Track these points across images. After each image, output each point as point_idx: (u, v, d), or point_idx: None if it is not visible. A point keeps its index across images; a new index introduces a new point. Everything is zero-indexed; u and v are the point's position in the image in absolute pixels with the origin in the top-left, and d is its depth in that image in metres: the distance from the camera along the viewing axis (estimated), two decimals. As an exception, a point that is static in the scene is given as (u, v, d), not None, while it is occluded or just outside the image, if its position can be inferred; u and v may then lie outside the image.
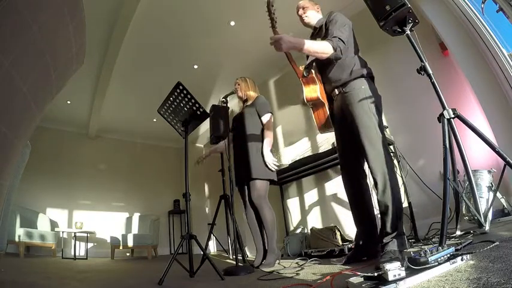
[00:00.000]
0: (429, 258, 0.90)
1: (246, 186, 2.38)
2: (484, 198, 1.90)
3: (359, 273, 1.01)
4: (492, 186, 1.93)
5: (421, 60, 1.41)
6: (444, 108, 1.34)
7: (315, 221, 3.46)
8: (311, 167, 3.21)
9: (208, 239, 2.86)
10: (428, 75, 1.39)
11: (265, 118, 2.46)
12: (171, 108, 2.06)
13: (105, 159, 6.26)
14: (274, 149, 2.95)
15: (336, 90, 1.81)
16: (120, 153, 6.61)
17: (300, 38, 1.67)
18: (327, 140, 3.44)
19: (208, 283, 1.62)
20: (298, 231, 3.59)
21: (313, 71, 1.92)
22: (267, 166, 2.32)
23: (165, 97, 2.04)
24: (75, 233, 4.86)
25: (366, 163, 1.67)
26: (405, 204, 2.32)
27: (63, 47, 1.28)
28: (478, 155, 2.18)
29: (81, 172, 5.79)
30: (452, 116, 1.32)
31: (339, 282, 1.08)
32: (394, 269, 0.83)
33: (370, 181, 1.76)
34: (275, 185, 3.27)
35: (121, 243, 4.91)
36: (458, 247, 1.09)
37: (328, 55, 1.67)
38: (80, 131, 6.14)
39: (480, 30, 2.28)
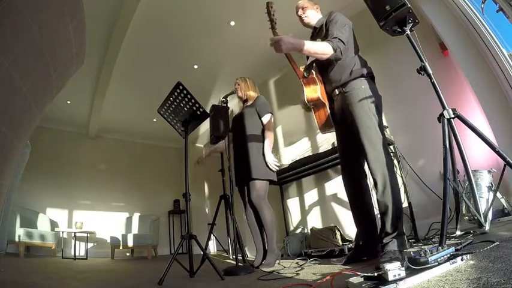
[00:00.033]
0: (429, 258, 0.90)
1: (245, 187, 2.38)
2: (484, 198, 1.90)
3: (359, 273, 1.01)
4: (492, 186, 1.93)
5: (421, 60, 1.41)
6: (444, 108, 1.34)
7: (315, 221, 3.46)
8: (311, 167, 3.21)
9: (208, 239, 2.86)
10: (428, 75, 1.39)
11: (266, 118, 2.46)
12: (171, 108, 2.06)
13: (105, 159, 6.26)
14: (274, 149, 2.95)
15: (336, 90, 1.81)
16: (120, 153, 6.61)
17: (300, 38, 1.67)
18: (327, 140, 3.43)
19: (208, 283, 1.62)
20: (298, 231, 3.59)
21: (313, 72, 1.92)
22: (268, 166, 2.33)
23: (165, 97, 2.04)
24: (75, 233, 4.86)
25: (366, 163, 1.67)
26: (405, 204, 2.32)
27: (63, 47, 1.28)
28: (478, 155, 2.18)
29: (81, 172, 5.79)
30: (452, 116, 1.32)
31: (339, 282, 1.08)
32: (394, 269, 0.83)
33: (370, 181, 1.76)
34: (275, 185, 3.27)
35: (121, 243, 4.91)
36: (458, 247, 1.09)
37: (328, 56, 1.67)
38: (80, 131, 6.14)
39: (480, 30, 2.28)
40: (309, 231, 2.96)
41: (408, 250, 1.57)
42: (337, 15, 1.81)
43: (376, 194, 1.59)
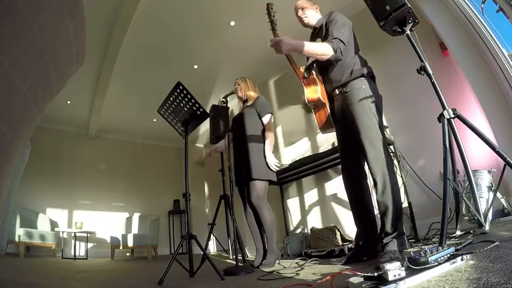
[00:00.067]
0: (429, 258, 0.90)
1: (245, 187, 2.38)
2: (484, 198, 1.90)
3: (359, 273, 1.01)
4: (492, 186, 1.93)
5: (421, 60, 1.41)
6: (444, 108, 1.34)
7: (315, 221, 3.46)
8: (311, 167, 3.21)
9: (208, 239, 2.86)
10: (428, 75, 1.39)
11: (266, 119, 2.46)
12: (171, 108, 2.06)
13: (105, 159, 6.26)
14: (274, 149, 2.95)
15: (336, 90, 1.81)
16: (120, 153, 6.61)
17: (300, 38, 1.67)
18: (327, 140, 3.43)
19: (208, 283, 1.62)
20: (298, 231, 3.60)
21: (313, 72, 1.92)
22: (268, 167, 2.33)
23: (165, 97, 2.04)
24: (75, 233, 4.86)
25: (366, 163, 1.67)
26: (405, 204, 2.32)
27: (63, 47, 1.28)
28: (478, 155, 2.18)
29: (81, 172, 5.79)
30: (452, 116, 1.32)
31: (339, 282, 1.08)
32: (394, 269, 0.83)
33: (370, 181, 1.76)
34: (275, 185, 3.27)
35: (121, 243, 4.91)
36: (458, 247, 1.09)
37: (328, 57, 1.67)
38: (80, 131, 6.14)
39: (480, 30, 2.28)
40: (309, 231, 2.96)
41: (408, 250, 1.57)
42: (337, 15, 1.81)
43: (376, 194, 1.59)
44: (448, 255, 0.94)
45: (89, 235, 5.06)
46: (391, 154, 2.52)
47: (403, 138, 2.90)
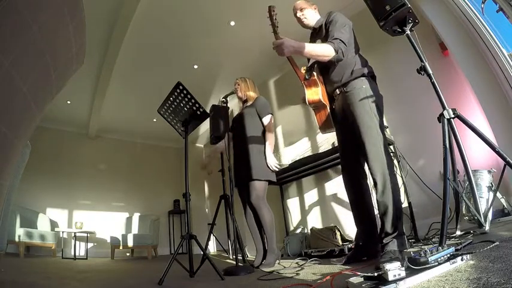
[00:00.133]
0: (429, 258, 0.90)
1: (245, 187, 2.38)
2: (484, 198, 1.90)
3: (359, 273, 1.01)
4: (492, 186, 1.93)
5: (421, 60, 1.41)
6: (444, 108, 1.34)
7: (315, 221, 3.46)
8: (311, 167, 3.21)
9: (208, 239, 2.86)
10: (428, 75, 1.39)
11: (266, 120, 2.46)
12: (171, 108, 2.06)
13: (105, 159, 6.26)
14: (274, 149, 2.95)
15: (337, 90, 1.81)
16: (120, 153, 6.61)
17: (300, 38, 1.67)
18: (327, 140, 3.43)
19: (208, 283, 1.62)
20: (298, 231, 3.60)
21: (314, 73, 1.92)
22: (268, 167, 2.33)
23: (165, 97, 2.03)
24: (75, 233, 4.86)
25: (366, 163, 1.67)
26: (405, 204, 2.32)
27: (63, 47, 1.28)
28: (478, 155, 2.18)
29: (81, 172, 5.79)
30: (452, 116, 1.32)
31: (339, 282, 1.08)
32: (394, 269, 0.83)
33: (370, 181, 1.76)
34: (275, 185, 3.27)
35: (121, 243, 4.91)
36: (458, 247, 1.09)
37: (330, 57, 1.67)
38: (80, 131, 6.14)
39: (480, 30, 2.28)
40: (309, 231, 2.96)
41: (408, 250, 1.57)
42: (336, 15, 1.81)
43: (376, 194, 1.59)
44: (448, 255, 0.94)
45: (89, 235, 5.06)
46: (391, 154, 2.52)
47: (403, 138, 2.90)
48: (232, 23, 3.75)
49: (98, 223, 5.62)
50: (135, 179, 6.48)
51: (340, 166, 1.96)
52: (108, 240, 5.11)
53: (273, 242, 2.26)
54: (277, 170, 2.39)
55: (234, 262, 1.98)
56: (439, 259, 0.91)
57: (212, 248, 6.04)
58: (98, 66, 4.24)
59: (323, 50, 1.66)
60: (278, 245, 2.41)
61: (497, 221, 1.99)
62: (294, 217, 3.76)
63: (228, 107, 2.45)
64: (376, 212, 1.75)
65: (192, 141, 7.06)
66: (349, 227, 2.95)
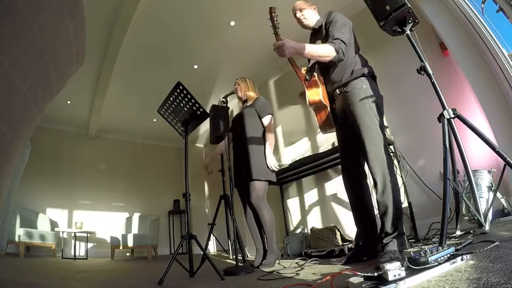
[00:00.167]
0: (429, 258, 0.90)
1: (245, 188, 2.38)
2: (484, 198, 1.90)
3: (359, 273, 1.01)
4: (492, 186, 1.93)
5: (421, 60, 1.41)
6: (444, 108, 1.34)
7: (315, 221, 3.46)
8: (311, 167, 3.21)
9: (208, 239, 2.86)
10: (428, 75, 1.39)
11: (266, 120, 2.46)
12: (171, 108, 2.06)
13: (105, 159, 6.26)
14: (274, 149, 2.95)
15: (337, 90, 1.81)
16: (120, 153, 6.61)
17: (300, 37, 1.67)
18: (327, 140, 3.44)
19: (208, 283, 1.62)
20: (298, 231, 3.59)
21: (315, 74, 1.92)
22: (268, 168, 2.33)
23: (165, 97, 2.03)
24: (75, 233, 4.86)
25: (366, 163, 1.67)
26: (405, 204, 2.32)
27: (63, 47, 1.28)
28: (478, 155, 2.18)
29: (81, 172, 5.79)
30: (452, 116, 1.32)
31: (339, 282, 1.08)
32: (394, 269, 0.83)
33: (370, 181, 1.76)
34: (275, 185, 3.27)
35: (121, 243, 4.91)
36: (458, 247, 1.09)
37: (331, 58, 1.67)
38: (80, 131, 6.14)
39: (480, 30, 2.28)
40: (309, 231, 2.96)
41: (408, 250, 1.57)
42: (336, 15, 1.81)
43: (376, 194, 1.59)
44: (448, 255, 0.94)
45: (89, 235, 5.06)
46: (391, 154, 2.52)
47: (403, 138, 2.90)
48: (232, 23, 3.75)
49: (98, 223, 5.62)
50: (135, 179, 6.48)
51: (340, 166, 1.96)
52: (108, 240, 5.11)
53: (273, 242, 2.26)
54: (277, 170, 2.39)
55: (234, 262, 1.98)
56: (439, 259, 0.91)
57: (212, 248, 6.04)
58: (98, 66, 4.24)
59: (324, 51, 1.66)
60: (278, 245, 2.41)
61: (497, 221, 1.99)
62: (294, 217, 3.76)
63: (228, 107, 2.45)
64: (376, 212, 1.75)
65: (192, 141, 7.06)
66: (349, 227, 2.95)
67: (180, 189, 6.40)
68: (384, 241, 1.52)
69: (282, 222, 3.71)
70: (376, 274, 0.88)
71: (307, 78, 1.91)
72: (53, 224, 4.93)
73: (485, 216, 1.60)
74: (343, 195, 2.64)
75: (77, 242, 4.87)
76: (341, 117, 1.82)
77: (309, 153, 3.63)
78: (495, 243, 1.09)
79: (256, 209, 2.28)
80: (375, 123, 1.61)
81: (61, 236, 4.80)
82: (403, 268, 0.86)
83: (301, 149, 3.86)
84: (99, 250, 5.35)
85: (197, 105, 1.97)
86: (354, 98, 1.69)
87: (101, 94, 4.82)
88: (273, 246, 2.25)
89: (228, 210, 2.94)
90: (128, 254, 5.45)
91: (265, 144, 2.40)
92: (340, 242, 2.57)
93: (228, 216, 3.16)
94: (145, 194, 6.49)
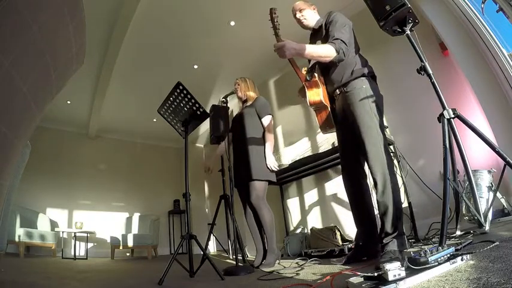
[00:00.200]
0: (429, 258, 0.90)
1: (245, 188, 2.38)
2: (484, 198, 1.90)
3: (359, 273, 1.01)
4: (492, 186, 1.93)
5: (421, 60, 1.41)
6: (444, 108, 1.34)
7: (315, 221, 3.46)
8: (311, 167, 3.21)
9: (208, 239, 2.86)
10: (428, 75, 1.39)
11: (266, 120, 2.45)
12: (171, 108, 2.06)
13: (105, 159, 6.26)
14: (274, 149, 2.95)
15: (337, 90, 1.82)
16: (120, 153, 6.61)
17: (300, 37, 1.67)
18: (327, 140, 3.44)
19: (208, 283, 1.62)
20: (298, 231, 3.59)
21: (315, 74, 1.92)
22: (268, 168, 2.33)
23: (165, 97, 2.03)
24: (75, 233, 4.86)
25: (366, 163, 1.67)
26: (405, 204, 2.32)
27: (63, 47, 1.28)
28: (478, 155, 2.18)
29: (81, 172, 5.79)
30: (452, 116, 1.32)
31: (339, 282, 1.08)
32: (394, 269, 0.83)
33: (370, 181, 1.76)
34: (275, 185, 3.27)
35: (121, 243, 4.91)
36: (458, 247, 1.09)
37: (331, 58, 1.67)
38: (80, 131, 6.14)
39: (480, 30, 2.28)
40: (309, 231, 2.96)
41: (408, 250, 1.57)
42: (336, 15, 1.81)
43: (376, 194, 1.59)
44: (448, 255, 0.94)
45: (89, 235, 5.06)
46: (391, 154, 2.52)
47: (403, 138, 2.90)
48: (232, 23, 3.75)
49: (98, 223, 5.62)
50: (135, 179, 6.48)
51: (340, 166, 1.96)
52: (108, 240, 5.11)
53: (273, 242, 2.26)
54: (276, 170, 2.39)
55: (234, 262, 1.98)
56: (439, 259, 0.91)
57: (212, 248, 6.04)
58: (98, 66, 4.24)
59: (324, 51, 1.66)
60: (278, 245, 2.41)
61: (497, 221, 1.99)
62: (294, 217, 3.76)
63: (228, 107, 2.45)
64: (376, 212, 1.75)
65: (192, 141, 7.06)
66: (349, 227, 2.95)
67: (180, 189, 6.40)
68: (384, 241, 1.52)
69: (282, 222, 3.71)
70: (376, 274, 0.88)
71: (308, 78, 1.91)
72: (53, 224, 4.93)
73: (485, 216, 1.60)
74: (343, 195, 2.64)
75: (77, 242, 4.87)
76: (341, 117, 1.82)
77: (309, 153, 3.63)
78: (495, 243, 1.09)
79: (256, 209, 2.28)
80: (374, 123, 1.61)
81: (61, 236, 4.80)
82: (403, 268, 0.86)
83: (301, 149, 3.86)
84: (99, 250, 5.35)
85: (197, 105, 1.97)
86: (354, 98, 1.69)
87: (101, 94, 4.82)
88: (273, 246, 2.25)
89: (228, 210, 2.94)
90: (128, 254, 5.45)
91: (265, 144, 2.40)
92: (340, 242, 2.57)
93: (228, 216, 3.17)
94: (145, 194, 6.49)
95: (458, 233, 1.75)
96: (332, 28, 1.75)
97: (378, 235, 1.61)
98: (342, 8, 3.21)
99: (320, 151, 3.22)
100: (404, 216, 1.72)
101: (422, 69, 1.40)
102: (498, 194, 1.98)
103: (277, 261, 2.26)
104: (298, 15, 1.97)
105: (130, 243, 4.93)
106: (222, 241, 4.16)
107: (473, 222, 1.91)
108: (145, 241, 5.09)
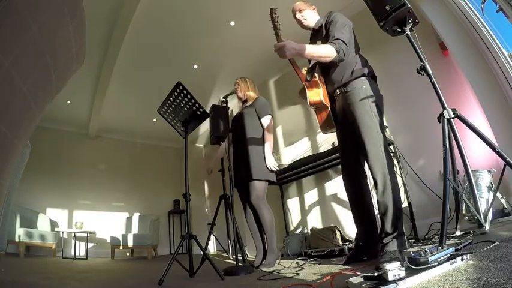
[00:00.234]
0: (429, 258, 0.90)
1: (245, 188, 2.38)
2: (484, 198, 1.90)
3: (359, 273, 1.01)
4: (492, 186, 1.93)
5: (421, 60, 1.41)
6: (444, 108, 1.34)
7: (315, 221, 3.46)
8: (311, 167, 3.21)
9: (208, 239, 2.86)
10: (428, 75, 1.39)
11: (266, 121, 2.45)
12: (171, 108, 2.06)
13: (105, 159, 6.26)
14: (274, 149, 2.95)
15: (337, 90, 1.82)
16: (120, 153, 6.61)
17: (299, 37, 1.67)
18: (327, 140, 3.44)
19: (208, 283, 1.62)
20: (298, 231, 3.59)
21: (316, 74, 1.92)
22: (267, 168, 2.33)
23: (165, 97, 2.04)
24: (75, 233, 4.86)
25: (366, 163, 1.67)
26: (405, 204, 2.32)
27: (63, 47, 1.28)
28: (478, 155, 2.18)
29: (81, 172, 5.79)
30: (452, 116, 1.32)
31: (339, 282, 1.08)
32: (394, 269, 0.83)
33: (370, 181, 1.76)
34: (275, 185, 3.27)
35: (121, 243, 4.91)
36: (458, 247, 1.09)
37: (331, 58, 1.67)
38: (80, 131, 6.14)
39: (480, 30, 2.28)
40: (309, 231, 2.96)
41: (408, 250, 1.57)
42: (336, 15, 1.81)
43: (376, 194, 1.59)
44: (448, 255, 0.94)
45: (89, 235, 5.06)
46: (391, 154, 2.52)
47: (403, 138, 2.90)
48: (232, 23, 3.74)
49: (98, 223, 5.62)
50: (135, 179, 6.48)
51: (340, 166, 1.96)
52: (108, 240, 5.11)
53: (273, 242, 2.26)
54: (276, 170, 2.39)
55: (234, 262, 1.98)
56: (439, 259, 0.91)
57: (212, 248, 6.04)
58: (98, 66, 4.24)
59: (325, 51, 1.66)
60: (278, 245, 2.41)
61: (497, 221, 1.99)
62: (294, 217, 3.76)
63: (228, 107, 2.45)
64: (376, 212, 1.75)
65: (192, 141, 7.06)
66: (349, 227, 2.95)
67: (180, 189, 6.40)
68: (384, 241, 1.52)
69: (282, 222, 3.71)
70: (376, 274, 0.88)
71: (308, 78, 1.91)
72: (53, 224, 4.93)
73: (485, 216, 1.60)
74: (343, 195, 2.64)
75: (77, 242, 4.86)
76: (341, 117, 1.82)
77: (309, 153, 3.63)
78: (495, 243, 1.09)
79: (256, 209, 2.28)
80: (374, 123, 1.61)
81: (61, 236, 4.80)
82: (403, 268, 0.86)
83: (301, 149, 3.86)
84: (99, 250, 5.35)
85: (197, 105, 1.97)
86: (354, 98, 1.69)
87: (101, 94, 4.82)
88: (273, 246, 2.25)
89: (228, 210, 2.94)
90: (128, 254, 5.45)
91: (264, 145, 2.40)
92: (340, 242, 2.57)
93: (228, 216, 3.17)
94: (145, 194, 6.49)
95: (458, 233, 1.75)
96: (332, 28, 1.75)
97: (378, 235, 1.61)
98: (342, 8, 3.21)
99: (320, 151, 3.22)
100: (404, 216, 1.72)
101: (422, 69, 1.40)
102: (498, 194, 1.98)
103: (277, 261, 2.26)
104: (298, 15, 1.97)
105: (130, 243, 4.93)
106: (222, 241, 4.16)
107: (473, 222, 1.92)
108: (145, 241, 5.09)
